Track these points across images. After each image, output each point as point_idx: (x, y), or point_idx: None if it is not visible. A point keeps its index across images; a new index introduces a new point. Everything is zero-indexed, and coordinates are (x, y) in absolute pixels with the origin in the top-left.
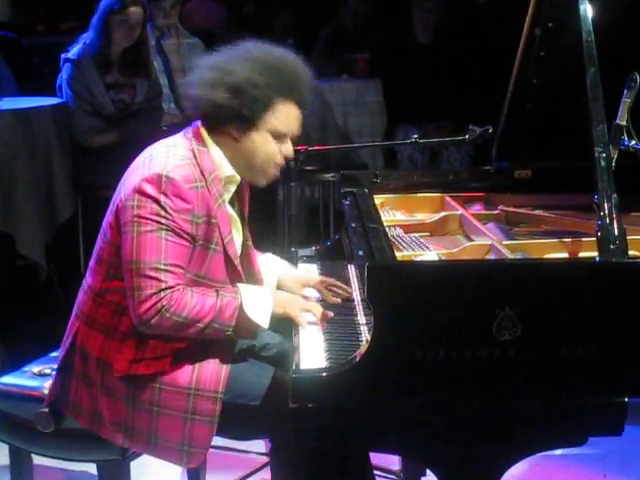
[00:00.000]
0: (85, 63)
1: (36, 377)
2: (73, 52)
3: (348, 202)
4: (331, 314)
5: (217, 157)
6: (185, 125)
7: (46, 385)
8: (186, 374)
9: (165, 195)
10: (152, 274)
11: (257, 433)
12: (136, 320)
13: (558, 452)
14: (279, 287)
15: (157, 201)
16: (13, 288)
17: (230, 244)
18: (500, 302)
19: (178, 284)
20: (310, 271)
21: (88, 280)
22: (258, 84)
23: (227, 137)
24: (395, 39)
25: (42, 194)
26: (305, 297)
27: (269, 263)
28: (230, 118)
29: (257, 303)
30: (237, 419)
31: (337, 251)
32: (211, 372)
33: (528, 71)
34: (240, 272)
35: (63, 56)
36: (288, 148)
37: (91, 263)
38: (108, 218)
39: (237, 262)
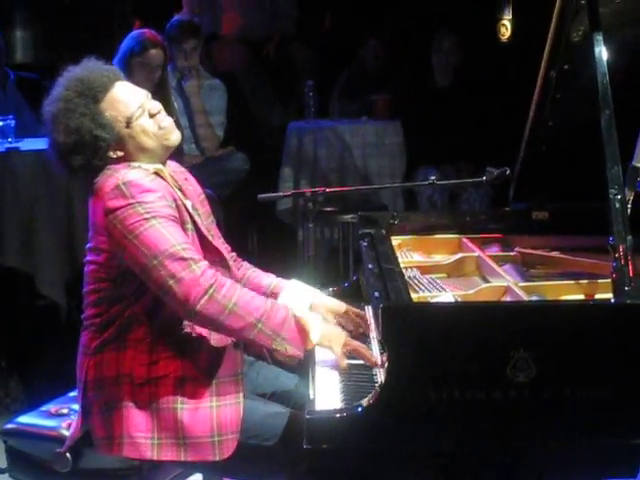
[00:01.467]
0: None
1: (54, 417)
2: None
3: (366, 243)
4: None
5: (136, 167)
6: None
7: (64, 425)
8: (204, 364)
9: (133, 197)
10: (176, 256)
11: (271, 474)
12: (184, 309)
13: None
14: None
15: (131, 205)
16: (33, 327)
17: (197, 224)
18: (515, 344)
19: (202, 258)
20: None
21: (87, 324)
22: (75, 129)
23: (121, 159)
24: (415, 81)
25: (62, 234)
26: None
27: (297, 288)
28: (102, 157)
29: (310, 319)
30: (250, 459)
31: (355, 292)
32: (228, 357)
33: (544, 113)
34: (216, 247)
35: None
36: (150, 105)
37: (86, 310)
38: (95, 259)
39: (210, 238)
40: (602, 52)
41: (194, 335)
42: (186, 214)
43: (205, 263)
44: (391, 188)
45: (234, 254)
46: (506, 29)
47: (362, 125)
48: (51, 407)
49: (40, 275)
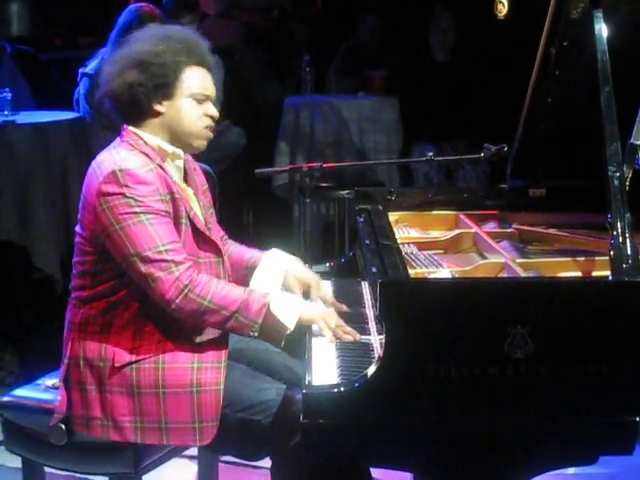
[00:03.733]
0: (97, 77)
1: (49, 390)
2: (91, 67)
3: (362, 219)
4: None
5: (153, 142)
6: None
7: (59, 398)
8: (187, 351)
9: (127, 187)
10: (156, 257)
11: (259, 448)
12: (163, 304)
13: (570, 471)
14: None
15: (123, 195)
16: (29, 301)
17: (196, 218)
18: (512, 320)
19: (185, 259)
20: (324, 287)
21: (74, 295)
22: (160, 53)
23: (152, 117)
24: (412, 57)
25: (58, 208)
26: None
27: (271, 262)
28: (147, 94)
29: (286, 304)
30: (239, 434)
31: (351, 268)
32: (211, 346)
33: (543, 90)
34: (215, 242)
35: (81, 71)
36: (210, 108)
37: (72, 282)
38: (81, 233)
39: (208, 232)
40: (602, 29)
41: (178, 322)
42: (182, 208)
43: (185, 265)
44: (387, 164)
45: (224, 234)
46: (503, 6)
47: (359, 100)
48: (46, 380)
49: (36, 249)
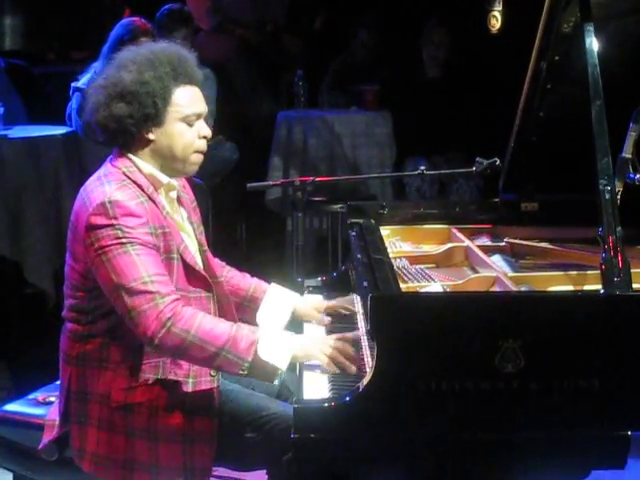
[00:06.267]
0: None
1: (41, 405)
2: (83, 81)
3: (354, 233)
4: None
5: (147, 170)
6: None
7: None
8: (180, 398)
9: (116, 219)
10: (141, 288)
11: (254, 464)
12: (144, 340)
13: None
14: (296, 316)
15: (111, 226)
16: (21, 315)
17: (185, 252)
18: (503, 334)
19: (172, 291)
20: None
21: (68, 327)
22: (146, 81)
23: (144, 144)
24: (405, 72)
25: (50, 222)
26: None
27: (278, 293)
28: (136, 124)
29: (275, 344)
30: (235, 449)
31: (343, 282)
32: (204, 392)
33: (534, 104)
34: (205, 276)
35: (73, 85)
36: (203, 128)
37: (65, 312)
38: (73, 265)
39: (198, 267)
40: (593, 43)
41: (172, 362)
42: (173, 243)
43: (171, 297)
44: (380, 178)
45: (218, 260)
46: (496, 20)
47: (351, 115)
48: (38, 395)
49: (28, 263)
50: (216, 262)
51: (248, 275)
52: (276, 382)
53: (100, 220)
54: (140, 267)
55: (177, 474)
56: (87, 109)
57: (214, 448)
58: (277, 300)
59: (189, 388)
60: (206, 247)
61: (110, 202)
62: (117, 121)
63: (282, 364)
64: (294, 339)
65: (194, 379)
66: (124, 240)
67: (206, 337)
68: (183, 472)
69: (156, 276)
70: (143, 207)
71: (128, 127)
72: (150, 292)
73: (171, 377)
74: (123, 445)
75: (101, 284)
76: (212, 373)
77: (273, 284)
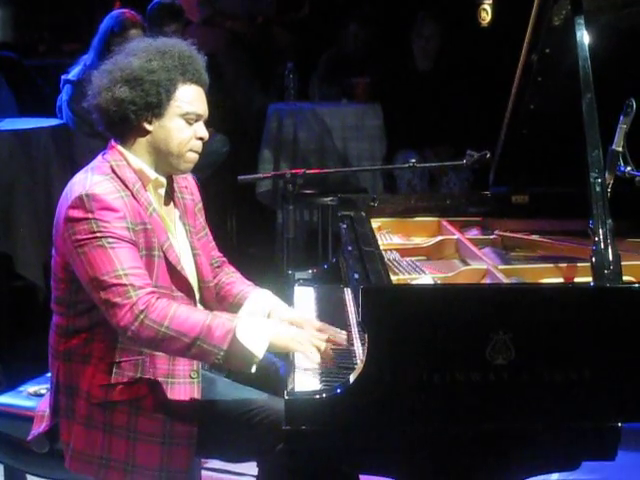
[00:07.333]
0: (85, 84)
1: (32, 397)
2: (73, 73)
3: (345, 225)
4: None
5: (137, 165)
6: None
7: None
8: (161, 399)
9: (92, 212)
10: (114, 281)
11: (244, 455)
12: (119, 332)
13: (554, 477)
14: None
15: (87, 220)
16: (11, 308)
17: (169, 250)
18: (494, 326)
19: (146, 284)
20: (306, 294)
21: (54, 320)
22: (154, 69)
23: (140, 135)
24: (395, 64)
25: (41, 215)
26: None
27: (261, 297)
28: (136, 112)
29: (254, 330)
30: (225, 439)
31: (334, 274)
32: (184, 394)
33: (525, 97)
34: (185, 277)
35: (63, 77)
36: (201, 130)
37: (52, 304)
38: (55, 258)
39: (180, 267)
40: (584, 36)
41: (153, 355)
42: (155, 240)
43: (145, 290)
44: (371, 171)
45: (223, 259)
46: (487, 13)
47: (342, 108)
48: (29, 387)
49: (19, 256)
50: (222, 268)
51: (249, 283)
52: (252, 370)
53: (77, 213)
54: (115, 260)
55: (153, 474)
56: (90, 92)
57: (193, 450)
58: (255, 302)
59: (168, 388)
60: (199, 251)
61: (87, 195)
62: (118, 105)
63: (259, 352)
64: (273, 328)
65: (173, 379)
66: (99, 234)
67: (180, 328)
68: (159, 473)
69: (130, 269)
70: (122, 202)
71: (128, 113)
72: (123, 285)
73: (149, 376)
74: (100, 441)
75: (79, 277)
76: (192, 375)
77: (259, 289)
